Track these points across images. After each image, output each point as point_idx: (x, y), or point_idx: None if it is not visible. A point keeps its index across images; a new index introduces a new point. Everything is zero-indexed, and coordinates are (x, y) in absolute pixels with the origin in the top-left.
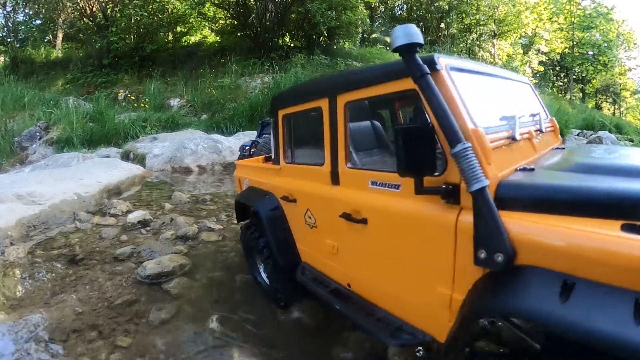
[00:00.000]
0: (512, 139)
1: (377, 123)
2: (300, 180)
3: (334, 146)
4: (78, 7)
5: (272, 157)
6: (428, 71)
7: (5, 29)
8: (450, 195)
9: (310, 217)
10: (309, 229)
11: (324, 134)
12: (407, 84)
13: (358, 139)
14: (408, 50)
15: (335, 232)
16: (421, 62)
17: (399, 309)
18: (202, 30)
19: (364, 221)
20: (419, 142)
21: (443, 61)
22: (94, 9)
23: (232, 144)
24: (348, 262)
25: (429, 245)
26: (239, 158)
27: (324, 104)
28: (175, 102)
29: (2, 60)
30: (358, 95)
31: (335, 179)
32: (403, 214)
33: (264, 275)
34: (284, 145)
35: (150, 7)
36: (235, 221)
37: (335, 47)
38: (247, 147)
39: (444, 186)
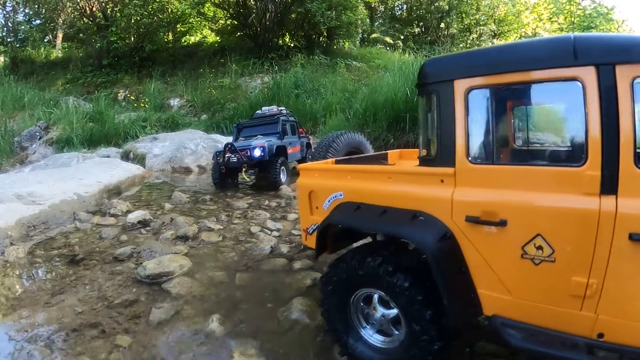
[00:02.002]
0: None
1: None
2: (514, 191)
3: (610, 137)
4: (78, 7)
5: (423, 155)
6: None
7: (5, 29)
8: None
9: (539, 248)
10: (529, 265)
11: (587, 119)
12: None
13: None
14: None
15: (598, 263)
16: None
17: None
18: (202, 30)
19: None
20: None
21: None
22: (94, 9)
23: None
24: (613, 303)
25: None
26: (215, 166)
27: (586, 75)
28: (175, 102)
29: (2, 60)
30: None
31: (609, 185)
32: None
33: (375, 341)
34: (466, 135)
35: (150, 7)
36: (236, 220)
37: (335, 47)
38: (220, 153)
39: None
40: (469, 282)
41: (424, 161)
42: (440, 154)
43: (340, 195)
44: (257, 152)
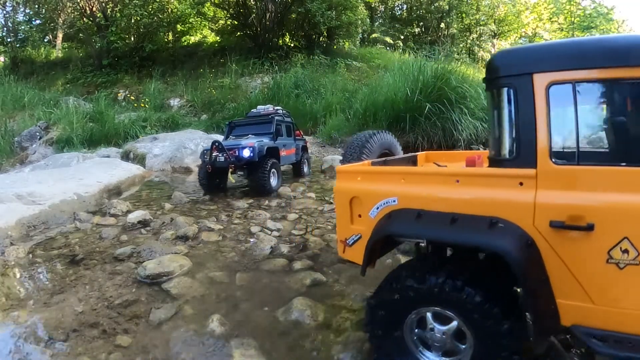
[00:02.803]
0: None
1: None
2: (602, 192)
3: None
4: (78, 7)
5: (495, 155)
6: None
7: (5, 29)
8: None
9: (624, 251)
10: (613, 270)
11: None
12: None
13: None
14: None
15: None
16: None
17: None
18: (202, 30)
19: None
20: None
21: None
22: (94, 9)
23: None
24: None
25: None
26: (201, 165)
27: None
28: (175, 102)
29: (2, 60)
30: None
31: None
32: None
33: None
34: (548, 134)
35: (150, 7)
36: (236, 220)
37: (335, 47)
38: (207, 151)
39: None
40: (550, 292)
41: (496, 162)
42: (519, 155)
43: (394, 201)
44: (246, 153)
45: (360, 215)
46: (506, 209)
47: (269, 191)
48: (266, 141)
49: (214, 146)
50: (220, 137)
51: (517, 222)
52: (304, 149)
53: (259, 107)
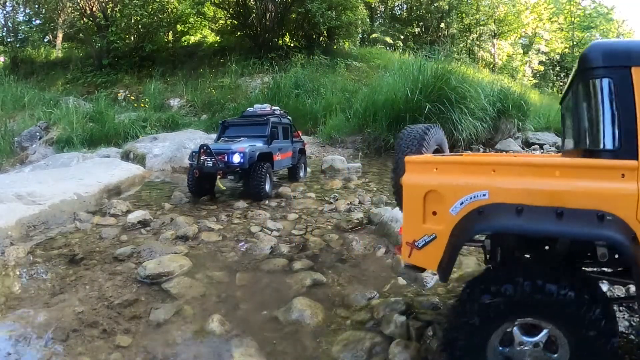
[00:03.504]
0: None
1: None
2: None
3: None
4: (78, 7)
5: (590, 146)
6: None
7: (5, 29)
8: None
9: None
10: None
11: None
12: None
13: None
14: None
15: None
16: None
17: None
18: (202, 30)
19: None
20: None
21: None
22: (94, 9)
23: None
24: None
25: None
26: (191, 168)
27: None
28: (175, 102)
29: (2, 60)
30: None
31: None
32: None
33: None
34: None
35: (150, 7)
36: (236, 220)
37: (335, 47)
38: (195, 154)
39: None
40: None
41: (591, 153)
42: (620, 146)
43: (484, 195)
44: (236, 158)
45: (435, 213)
46: (609, 201)
47: (264, 198)
48: (259, 145)
49: (202, 150)
50: None
51: (620, 215)
52: (302, 151)
53: (255, 105)
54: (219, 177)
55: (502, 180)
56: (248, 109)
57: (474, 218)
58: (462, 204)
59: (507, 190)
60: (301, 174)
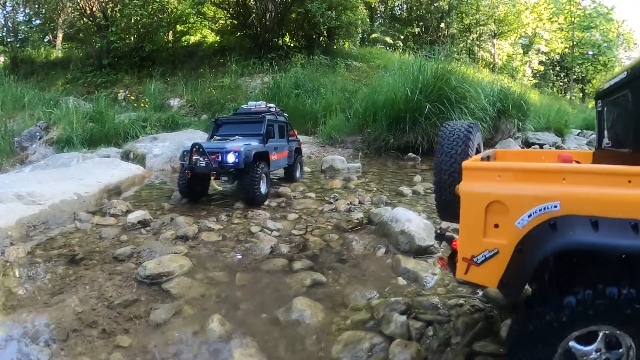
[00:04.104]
0: None
1: None
2: None
3: None
4: (78, 7)
5: None
6: None
7: (5, 29)
8: None
9: None
10: None
11: None
12: None
13: None
14: None
15: None
16: None
17: None
18: (202, 30)
19: None
20: None
21: None
22: (94, 9)
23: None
24: None
25: None
26: (182, 169)
27: None
28: (175, 102)
29: (2, 60)
30: None
31: None
32: None
33: None
34: None
35: (150, 7)
36: (236, 220)
37: (335, 47)
38: (187, 153)
39: None
40: None
41: None
42: None
43: (555, 206)
44: (230, 158)
45: (497, 225)
46: None
47: (259, 201)
48: (254, 144)
49: (195, 149)
50: None
51: None
52: (298, 151)
53: (250, 102)
54: (212, 177)
55: (574, 190)
56: (242, 106)
57: (545, 232)
58: (530, 216)
59: (579, 201)
60: (297, 174)
